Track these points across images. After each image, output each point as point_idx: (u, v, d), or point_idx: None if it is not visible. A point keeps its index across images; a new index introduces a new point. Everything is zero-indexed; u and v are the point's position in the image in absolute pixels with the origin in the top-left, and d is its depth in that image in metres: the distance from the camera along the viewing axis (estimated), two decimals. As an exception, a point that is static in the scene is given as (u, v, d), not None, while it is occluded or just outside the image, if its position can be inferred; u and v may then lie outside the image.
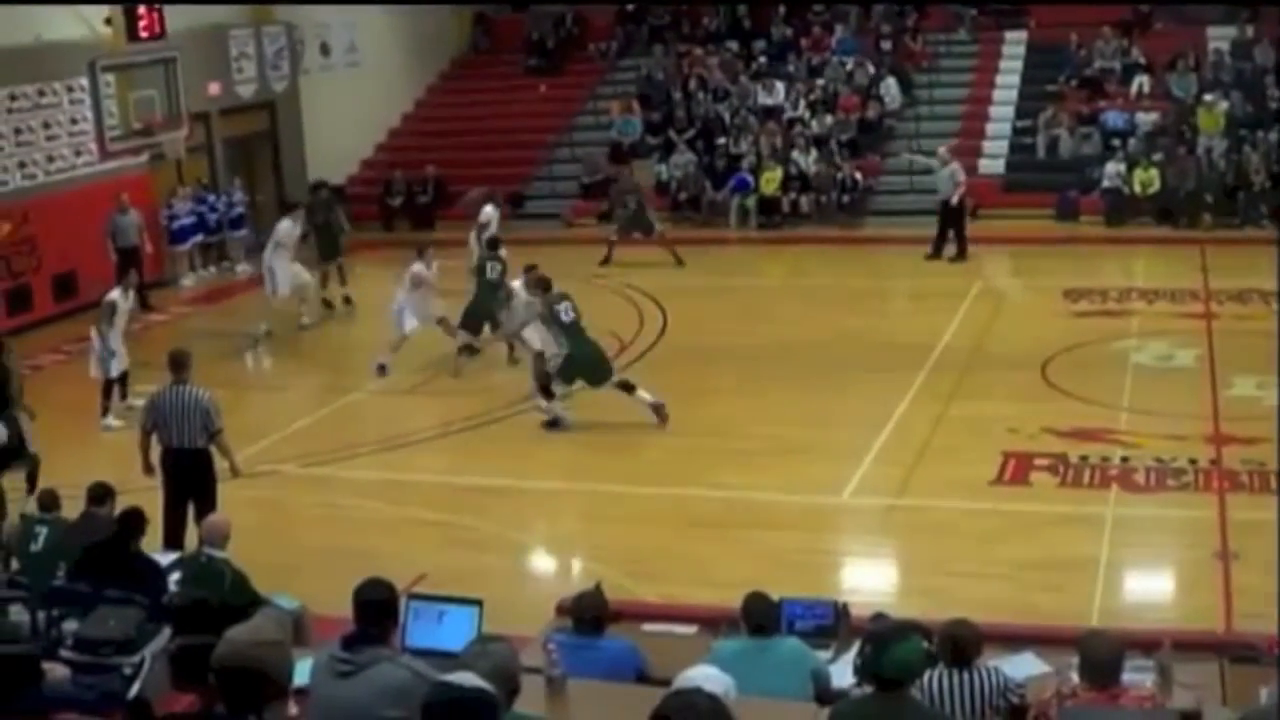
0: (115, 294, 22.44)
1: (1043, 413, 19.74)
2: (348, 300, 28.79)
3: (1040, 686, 9.04)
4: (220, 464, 16.11)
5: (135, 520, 13.11)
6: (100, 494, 14.06)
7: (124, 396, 21.72)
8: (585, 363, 20.46)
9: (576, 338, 20.40)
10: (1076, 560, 15.14)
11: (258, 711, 5.62)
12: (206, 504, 15.45)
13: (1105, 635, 8.97)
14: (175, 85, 29.10)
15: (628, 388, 20.42)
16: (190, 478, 15.75)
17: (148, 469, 15.93)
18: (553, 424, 20.49)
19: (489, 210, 28.40)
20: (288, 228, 26.88)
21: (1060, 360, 22.22)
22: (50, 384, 24.53)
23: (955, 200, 30.18)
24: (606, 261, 30.89)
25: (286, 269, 26.46)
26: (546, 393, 20.53)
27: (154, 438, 15.91)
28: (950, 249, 30.15)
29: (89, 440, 20.59)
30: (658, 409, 20.11)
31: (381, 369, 23.61)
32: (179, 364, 16.17)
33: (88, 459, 17.78)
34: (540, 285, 21.07)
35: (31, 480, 17.03)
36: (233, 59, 34.46)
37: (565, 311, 20.43)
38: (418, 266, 23.95)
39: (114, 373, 21.68)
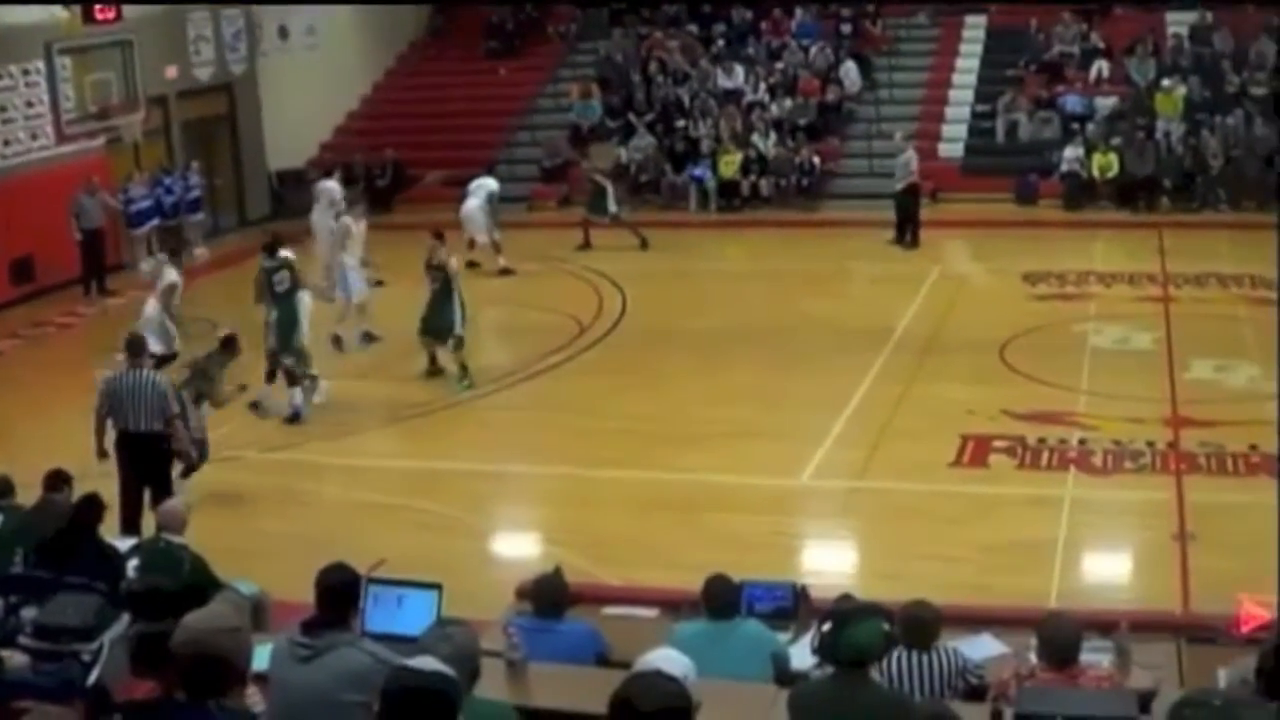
0: (173, 275, 22.70)
1: (1001, 395, 19.81)
2: None
3: (999, 667, 9.06)
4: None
5: (94, 506, 13.06)
6: (57, 480, 13.99)
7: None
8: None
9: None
10: (1035, 542, 15.21)
11: (217, 697, 5.60)
12: (162, 489, 15.43)
13: (1064, 616, 9.01)
14: (132, 68, 28.99)
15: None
16: (146, 462, 15.71)
17: (102, 453, 15.88)
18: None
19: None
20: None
21: (1019, 343, 22.30)
22: (8, 368, 24.48)
23: (900, 187, 30.13)
24: (586, 246, 30.70)
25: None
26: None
27: (109, 422, 15.89)
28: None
29: (46, 425, 20.48)
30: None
31: (368, 337, 23.90)
32: (136, 348, 16.14)
33: (45, 444, 17.68)
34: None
35: None
36: (190, 41, 34.25)
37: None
38: (344, 219, 24.58)
39: (176, 347, 21.93)
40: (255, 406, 19.95)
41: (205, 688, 5.61)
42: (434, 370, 22.02)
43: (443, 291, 21.66)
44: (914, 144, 31.29)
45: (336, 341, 23.58)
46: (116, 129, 29.39)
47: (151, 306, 22.16)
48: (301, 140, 37.19)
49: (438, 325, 21.59)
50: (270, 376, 20.72)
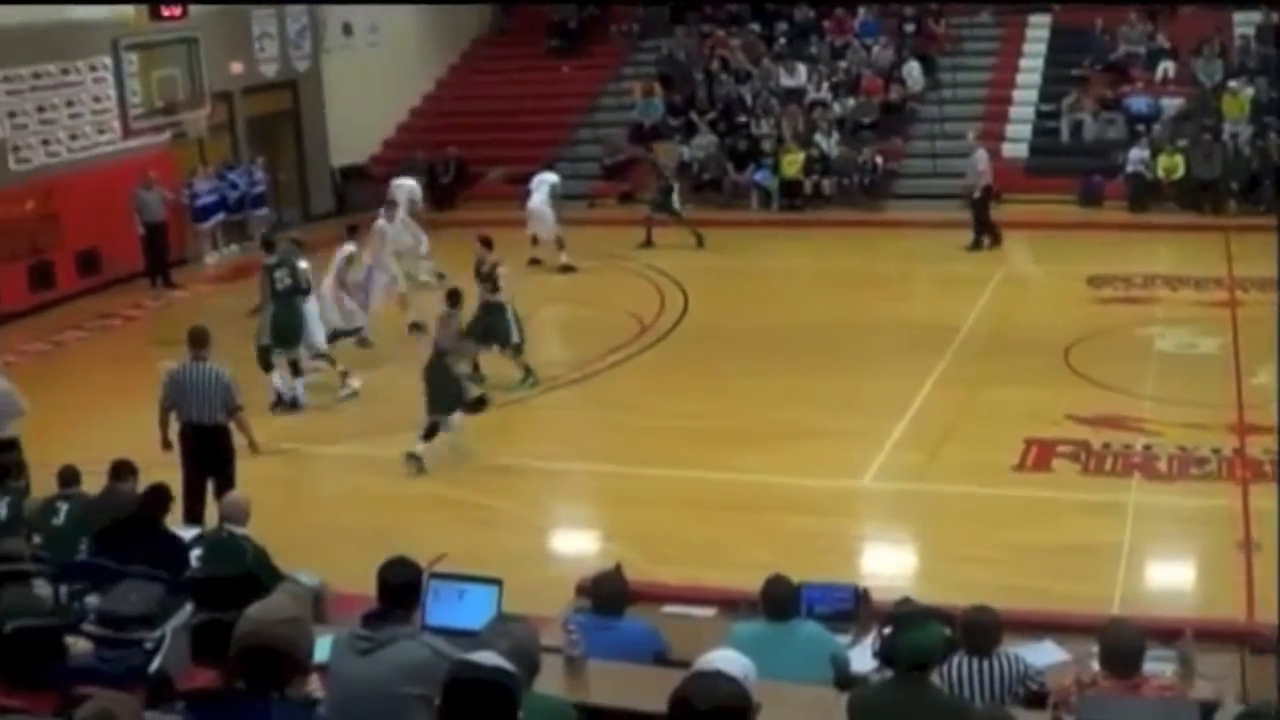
0: (350, 246, 23.64)
1: (1065, 399, 19.69)
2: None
3: (1060, 674, 9.01)
4: (239, 440, 16.15)
5: (160, 496, 13.14)
6: (122, 470, 14.08)
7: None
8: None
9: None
10: (1098, 548, 15.11)
11: (278, 688, 5.61)
12: (225, 480, 15.50)
13: (1126, 624, 8.95)
14: (198, 64, 29.16)
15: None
16: (209, 454, 15.81)
17: (166, 445, 15.97)
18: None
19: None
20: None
21: (1083, 346, 22.16)
22: (73, 360, 24.66)
23: (978, 190, 29.95)
24: (648, 244, 30.65)
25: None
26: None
27: (172, 414, 15.98)
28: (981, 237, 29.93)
29: (110, 416, 20.59)
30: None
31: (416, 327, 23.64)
32: (199, 341, 16.22)
33: (109, 435, 17.77)
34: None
35: None
36: (255, 38, 34.44)
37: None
38: (378, 222, 24.79)
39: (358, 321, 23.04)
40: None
41: (266, 678, 5.62)
42: (476, 376, 21.11)
43: (492, 301, 21.51)
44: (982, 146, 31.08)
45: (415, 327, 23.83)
46: (182, 124, 29.56)
47: (327, 283, 22.72)
48: (364, 137, 37.37)
49: (489, 333, 21.46)
50: (265, 368, 21.05)
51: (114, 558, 12.00)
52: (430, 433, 18.41)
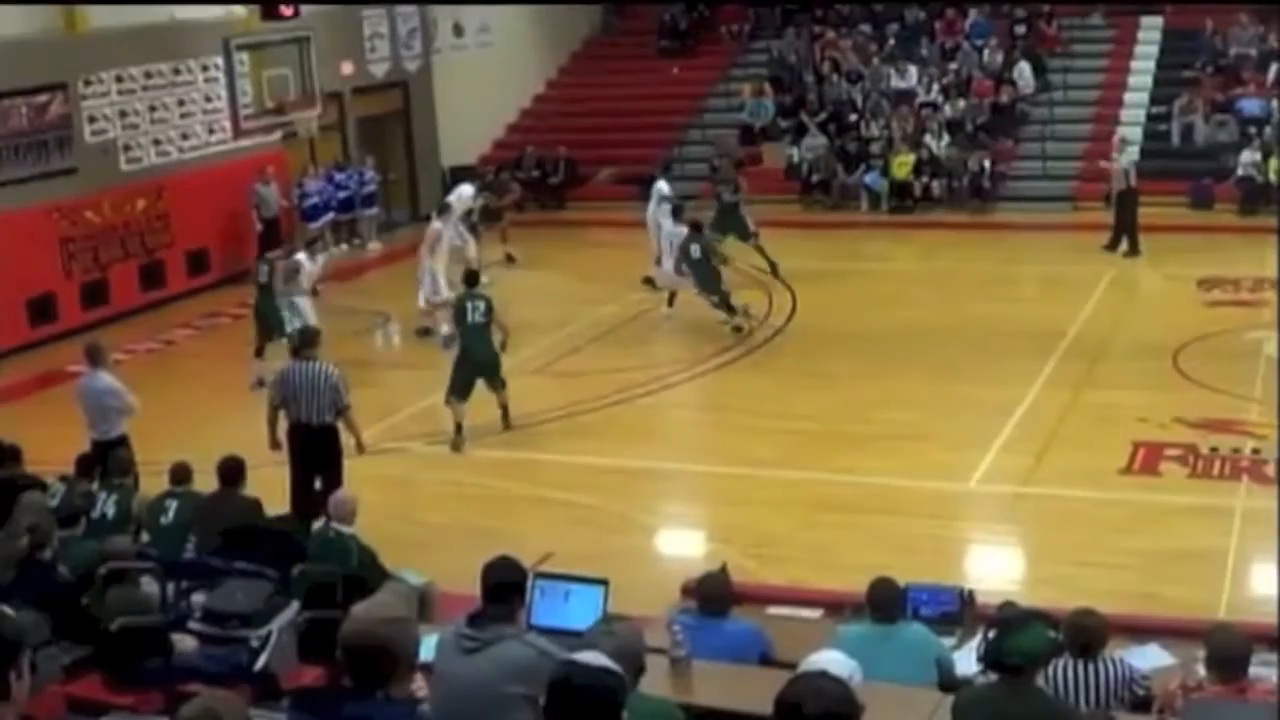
0: (437, 224, 25.09)
1: (1174, 402, 19.53)
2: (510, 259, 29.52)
3: (1166, 679, 8.96)
4: (347, 440, 16.26)
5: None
6: (234, 468, 14.25)
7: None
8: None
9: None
10: (1205, 552, 14.98)
11: (384, 687, 5.65)
12: (333, 479, 15.61)
13: (1233, 629, 8.88)
14: (309, 64, 29.38)
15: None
16: (318, 453, 15.92)
17: (274, 444, 16.11)
18: None
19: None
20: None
21: (1192, 349, 21.95)
22: (182, 359, 24.93)
23: (1119, 189, 29.55)
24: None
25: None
26: None
27: (281, 413, 16.12)
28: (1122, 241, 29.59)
29: (220, 414, 20.81)
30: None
31: (427, 332, 24.70)
32: (308, 340, 16.35)
33: (216, 433, 17.96)
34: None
35: None
36: (366, 38, 34.67)
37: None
38: (434, 224, 25.17)
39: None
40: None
41: (372, 677, 5.66)
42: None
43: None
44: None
45: (424, 333, 24.88)
46: (293, 124, 29.79)
47: (429, 259, 24.33)
48: (474, 137, 37.52)
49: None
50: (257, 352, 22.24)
51: (235, 556, 12.14)
52: None
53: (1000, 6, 39.06)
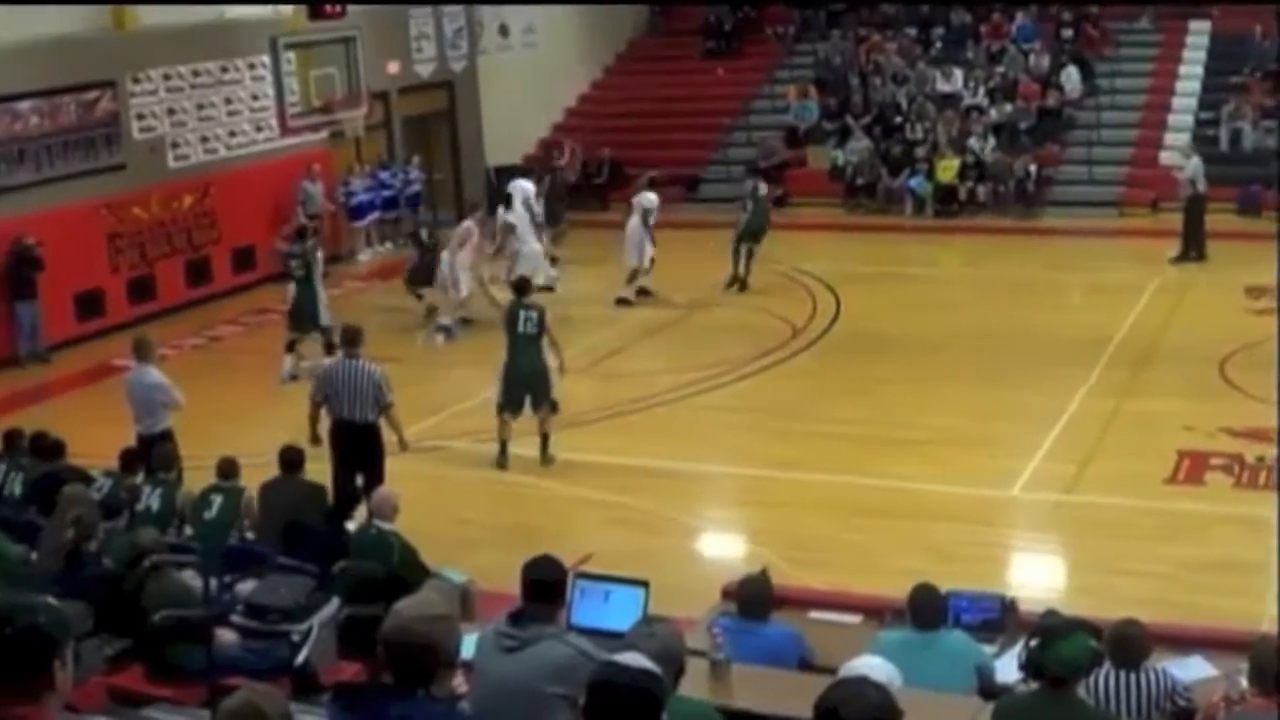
0: (507, 215, 26.11)
1: (1220, 411, 19.41)
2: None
3: (1208, 690, 8.90)
4: (389, 437, 16.30)
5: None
6: (294, 456, 14.52)
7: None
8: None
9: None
10: (1250, 563, 14.85)
11: (424, 684, 5.66)
12: (375, 477, 15.65)
13: (1276, 641, 8.82)
14: (355, 63, 29.44)
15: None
16: (359, 450, 15.97)
17: (314, 439, 16.15)
18: None
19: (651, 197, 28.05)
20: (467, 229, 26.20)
21: (1239, 358, 21.81)
22: (228, 354, 25.02)
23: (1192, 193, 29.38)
24: (735, 285, 28.02)
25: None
26: None
27: (323, 410, 16.17)
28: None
29: (265, 410, 20.88)
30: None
31: (446, 330, 24.96)
32: (352, 338, 16.40)
33: (263, 429, 18.02)
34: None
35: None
36: (412, 38, 34.76)
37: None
38: (466, 223, 25.45)
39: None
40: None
41: (413, 674, 5.66)
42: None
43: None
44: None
45: (445, 331, 25.18)
46: (339, 123, 29.86)
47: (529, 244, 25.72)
48: (519, 137, 37.57)
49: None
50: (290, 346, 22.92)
51: (290, 553, 12.20)
52: None
53: (1047, 9, 38.95)
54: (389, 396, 16.06)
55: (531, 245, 26.06)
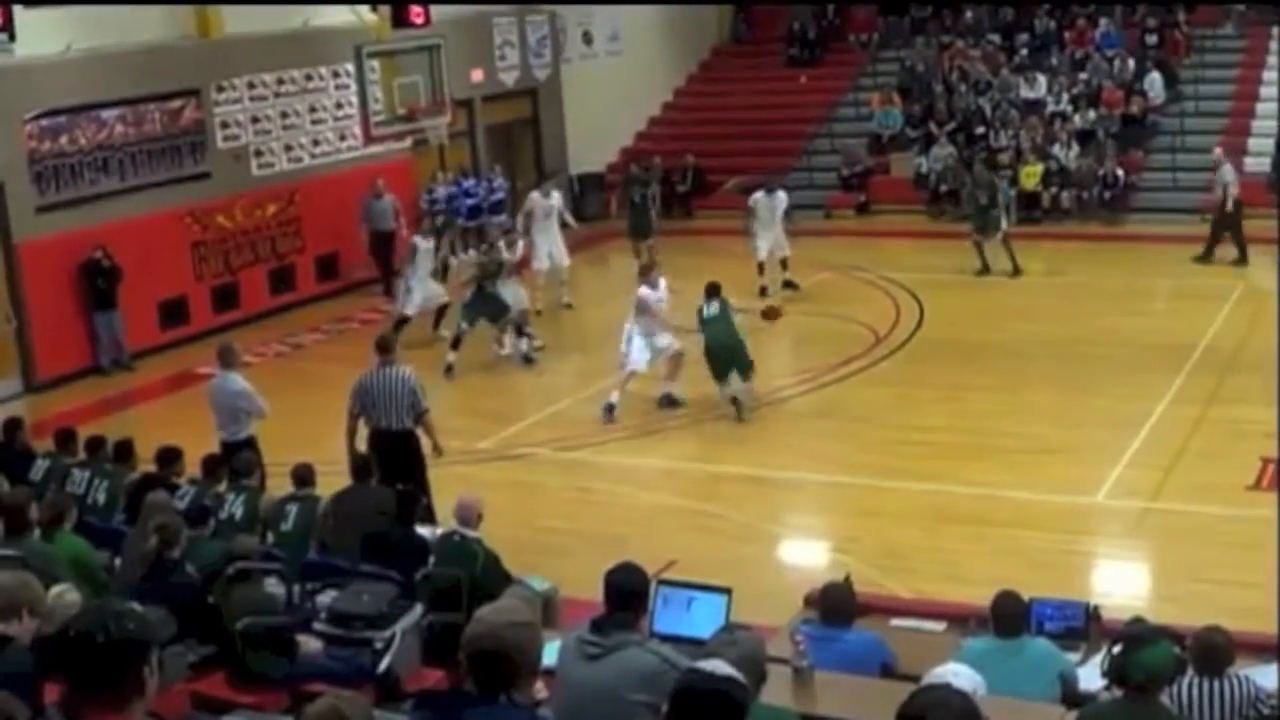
0: (417, 239, 25.82)
1: (1305, 418, 19.28)
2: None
3: (1292, 698, 8.86)
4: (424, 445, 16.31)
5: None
6: (364, 463, 14.56)
7: (435, 327, 25.63)
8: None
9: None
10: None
11: (507, 691, 5.68)
12: (415, 485, 15.60)
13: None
14: (439, 71, 29.49)
15: None
16: (398, 459, 15.84)
17: (353, 451, 16.06)
18: None
19: None
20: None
21: (1325, 365, 21.66)
22: (310, 362, 25.15)
23: (1229, 203, 29.31)
24: (985, 270, 29.02)
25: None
26: None
27: (361, 421, 16.18)
28: (1232, 252, 29.25)
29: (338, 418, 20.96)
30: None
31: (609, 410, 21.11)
32: (385, 347, 16.45)
33: (342, 437, 18.08)
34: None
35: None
36: (496, 46, 34.85)
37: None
38: (642, 290, 21.68)
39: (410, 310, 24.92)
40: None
41: (496, 681, 5.67)
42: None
43: None
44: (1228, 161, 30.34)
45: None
46: (423, 131, 29.94)
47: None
48: (603, 145, 37.63)
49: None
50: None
51: (375, 563, 12.27)
52: None
53: (1131, 16, 38.73)
54: (424, 403, 16.04)
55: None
